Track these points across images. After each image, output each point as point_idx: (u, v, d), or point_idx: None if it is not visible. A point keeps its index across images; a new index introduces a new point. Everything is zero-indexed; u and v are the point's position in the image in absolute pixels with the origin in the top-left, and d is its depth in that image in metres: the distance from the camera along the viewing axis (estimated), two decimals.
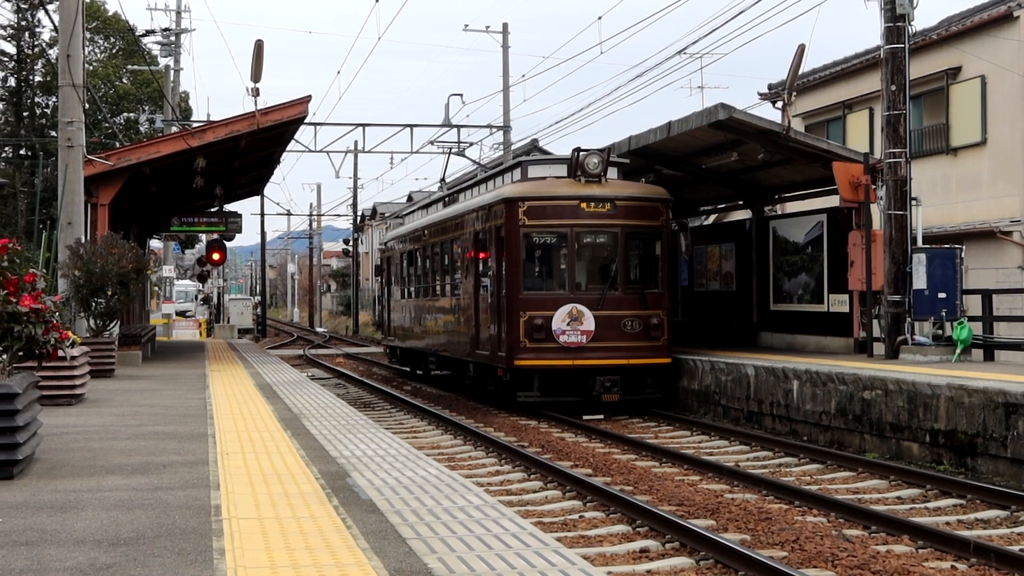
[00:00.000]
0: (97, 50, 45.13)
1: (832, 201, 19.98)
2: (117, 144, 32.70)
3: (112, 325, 18.82)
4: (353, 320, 62.92)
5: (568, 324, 18.24)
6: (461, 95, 36.37)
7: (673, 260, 21.17)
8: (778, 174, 21.11)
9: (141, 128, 41.60)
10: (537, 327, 18.18)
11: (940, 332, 16.48)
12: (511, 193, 18.97)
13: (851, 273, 17.99)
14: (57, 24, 19.66)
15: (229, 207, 33.60)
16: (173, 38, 43.07)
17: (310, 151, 34.26)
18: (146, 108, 41.72)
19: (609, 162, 18.87)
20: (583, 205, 18.58)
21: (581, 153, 18.61)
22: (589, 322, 18.27)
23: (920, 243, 17.32)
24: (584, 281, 18.77)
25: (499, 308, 18.84)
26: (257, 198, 49.97)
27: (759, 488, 11.41)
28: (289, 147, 28.01)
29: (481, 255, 20.07)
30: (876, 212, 17.53)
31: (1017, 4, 23.15)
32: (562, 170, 19.05)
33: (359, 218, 66.64)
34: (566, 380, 18.48)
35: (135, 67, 43.68)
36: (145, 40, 43.04)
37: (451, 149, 32.70)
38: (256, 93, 21.14)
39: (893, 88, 16.98)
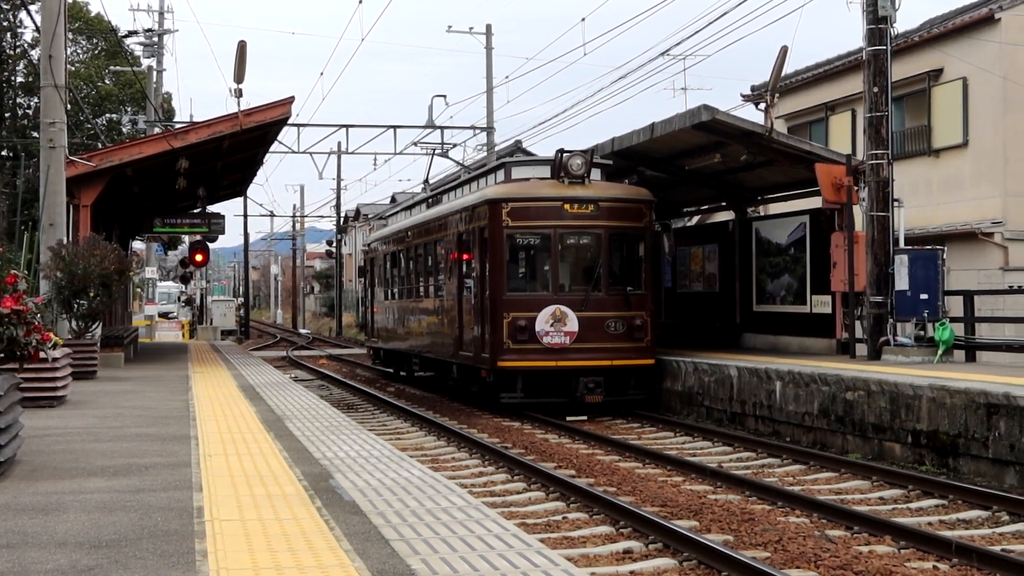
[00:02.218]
0: (80, 51, 44.99)
1: (815, 202, 20.05)
2: (99, 145, 32.59)
3: (94, 327, 18.75)
4: (336, 321, 62.84)
5: (551, 325, 18.25)
6: (445, 96, 36.35)
7: (656, 261, 21.20)
8: (761, 175, 21.17)
9: (124, 129, 41.44)
10: (520, 328, 18.18)
11: (922, 333, 16.56)
12: (494, 194, 18.97)
13: (834, 274, 18.05)
14: (39, 24, 19.57)
15: (212, 208, 33.50)
16: (156, 39, 42.91)
17: (293, 152, 34.18)
18: (129, 109, 41.57)
19: (592, 163, 18.89)
20: (566, 206, 18.59)
21: (564, 154, 18.62)
22: (572, 323, 18.28)
23: (902, 244, 17.37)
24: (567, 282, 18.78)
25: (483, 309, 18.83)
26: (240, 199, 49.89)
27: (742, 489, 11.43)
28: (272, 148, 27.95)
29: (465, 256, 20.06)
30: (858, 213, 17.58)
31: (999, 6, 23.27)
32: (545, 171, 19.06)
33: (342, 219, 66.58)
34: (550, 381, 18.47)
35: (118, 68, 43.53)
36: (128, 41, 42.89)
37: (434, 150, 32.68)
38: (239, 94, 21.08)
39: (875, 90, 17.04)
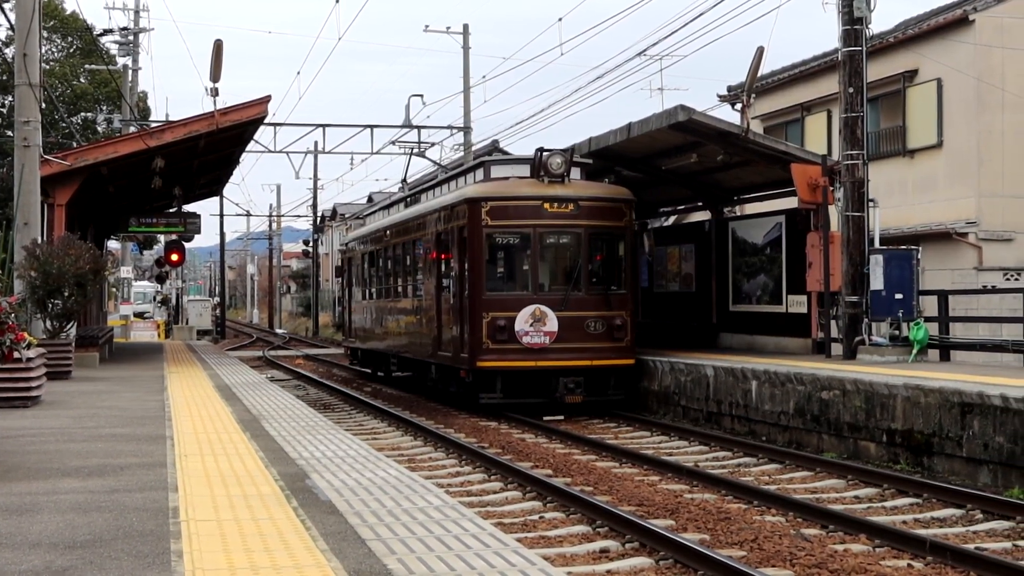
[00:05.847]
0: (54, 49, 44.62)
1: (791, 203, 20.11)
2: (74, 144, 32.38)
3: (69, 327, 18.64)
4: (313, 321, 62.65)
5: (531, 325, 18.24)
6: (422, 96, 36.36)
7: (636, 261, 21.23)
8: (737, 175, 21.23)
9: (99, 128, 41.20)
10: (500, 328, 18.16)
11: (897, 332, 16.65)
12: (474, 193, 18.94)
13: (809, 274, 18.12)
14: (13, 23, 19.45)
15: (188, 208, 33.31)
16: (131, 37, 42.70)
17: (270, 152, 34.03)
18: (104, 108, 41.31)
19: (572, 162, 18.88)
20: (546, 205, 18.58)
21: (544, 153, 18.60)
22: (552, 323, 18.27)
23: (877, 244, 17.46)
24: (547, 282, 18.78)
25: (462, 309, 18.81)
26: (216, 199, 49.63)
27: (718, 488, 11.47)
28: (249, 147, 27.84)
29: (443, 256, 20.03)
30: (834, 213, 17.67)
31: (973, 8, 23.41)
32: (525, 170, 19.03)
33: (319, 219, 66.38)
34: (529, 381, 18.46)
35: (93, 66, 43.23)
36: (103, 39, 42.60)
37: (412, 150, 32.62)
38: (215, 93, 20.99)
39: (851, 90, 17.11)
